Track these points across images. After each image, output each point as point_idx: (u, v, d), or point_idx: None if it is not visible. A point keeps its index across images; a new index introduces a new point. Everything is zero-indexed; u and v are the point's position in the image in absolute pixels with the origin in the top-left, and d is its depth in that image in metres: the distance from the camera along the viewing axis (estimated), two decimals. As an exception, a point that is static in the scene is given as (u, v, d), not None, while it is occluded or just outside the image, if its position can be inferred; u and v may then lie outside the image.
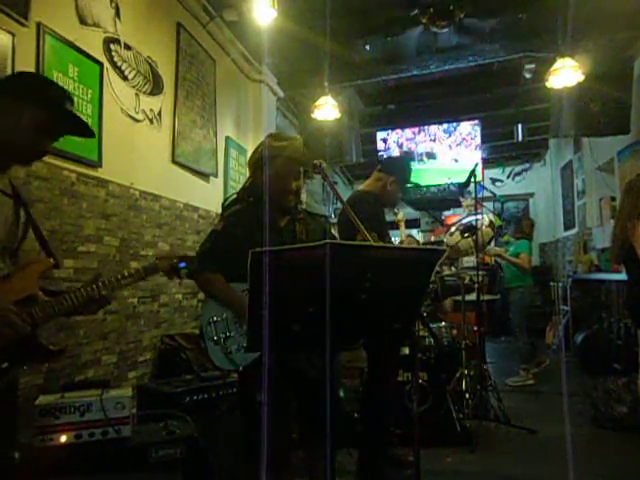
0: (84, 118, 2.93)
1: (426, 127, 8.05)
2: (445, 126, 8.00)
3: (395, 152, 8.05)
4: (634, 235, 2.76)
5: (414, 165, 3.44)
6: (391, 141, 8.15)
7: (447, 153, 8.00)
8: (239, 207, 2.12)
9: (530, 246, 5.64)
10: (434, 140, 8.06)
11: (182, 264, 1.86)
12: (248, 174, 2.22)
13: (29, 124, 1.50)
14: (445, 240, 4.19)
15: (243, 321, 1.92)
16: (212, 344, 1.97)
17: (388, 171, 3.15)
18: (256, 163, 2.13)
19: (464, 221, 4.11)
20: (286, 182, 2.03)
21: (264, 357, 1.82)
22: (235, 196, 2.21)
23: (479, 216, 3.97)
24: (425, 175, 7.99)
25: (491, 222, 4.01)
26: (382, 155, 7.86)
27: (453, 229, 4.18)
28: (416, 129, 8.08)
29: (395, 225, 3.59)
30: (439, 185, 8.18)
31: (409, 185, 3.34)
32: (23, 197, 1.68)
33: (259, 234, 1.89)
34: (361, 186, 3.29)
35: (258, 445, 1.68)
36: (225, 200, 2.26)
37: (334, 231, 2.11)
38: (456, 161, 7.97)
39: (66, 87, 2.79)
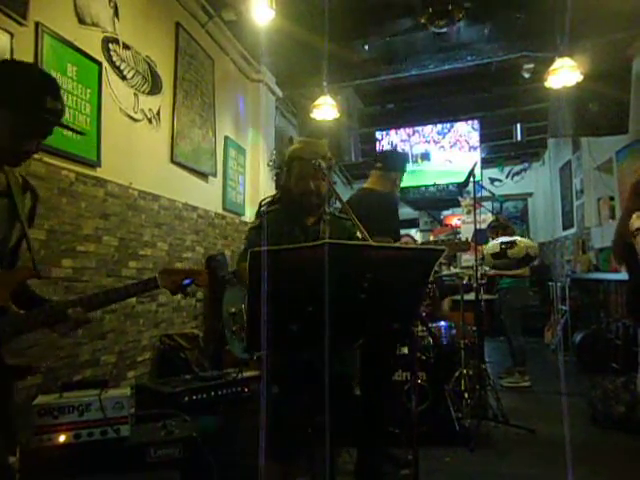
0: (83, 117, 2.95)
1: (420, 129, 8.05)
2: (439, 127, 8.00)
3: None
4: (630, 229, 2.75)
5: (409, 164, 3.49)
6: (385, 143, 8.15)
7: (441, 154, 8.00)
8: (273, 207, 2.26)
9: None
10: (428, 142, 8.07)
11: (187, 281, 1.71)
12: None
13: (3, 127, 1.38)
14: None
15: None
16: (230, 335, 2.12)
17: (393, 169, 3.19)
18: (285, 166, 2.28)
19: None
20: (304, 183, 2.11)
21: (263, 356, 1.83)
22: (271, 197, 2.35)
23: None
24: (420, 177, 8.00)
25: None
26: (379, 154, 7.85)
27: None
28: (410, 130, 8.08)
29: None
30: (438, 185, 8.18)
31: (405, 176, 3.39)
32: (31, 193, 1.59)
33: (288, 231, 2.08)
34: (370, 185, 3.25)
35: (272, 433, 1.74)
36: (263, 199, 2.39)
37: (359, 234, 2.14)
38: (450, 162, 7.97)
39: (65, 87, 2.80)
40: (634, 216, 2.75)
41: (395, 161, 3.29)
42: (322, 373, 1.90)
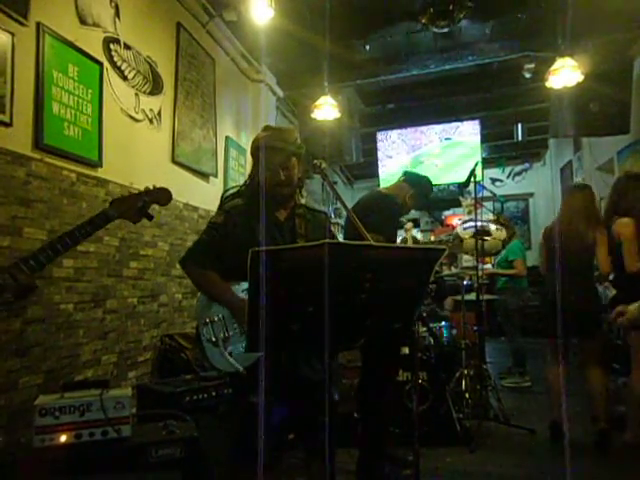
0: (84, 118, 2.95)
1: (422, 128, 8.03)
2: (441, 127, 7.98)
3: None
4: None
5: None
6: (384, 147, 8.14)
7: (442, 154, 7.99)
8: (240, 201, 2.08)
9: (522, 247, 5.58)
10: (430, 142, 8.06)
11: (141, 203, 1.77)
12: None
13: None
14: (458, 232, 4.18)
15: (239, 320, 1.90)
16: (210, 345, 1.89)
17: (411, 183, 3.19)
18: (251, 157, 2.12)
19: (482, 223, 4.05)
20: (274, 172, 1.98)
21: (262, 357, 1.82)
22: (236, 189, 2.18)
23: (495, 226, 3.96)
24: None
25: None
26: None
27: (467, 226, 4.16)
28: (412, 130, 8.06)
29: None
30: (438, 185, 8.17)
31: (423, 204, 3.39)
32: None
33: (256, 227, 1.90)
34: (383, 188, 3.31)
35: (251, 445, 1.67)
36: (225, 191, 2.24)
37: (334, 229, 2.08)
38: (449, 164, 7.96)
39: (66, 87, 2.81)
40: None
41: (419, 180, 3.28)
42: (306, 378, 1.87)
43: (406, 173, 3.33)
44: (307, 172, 2.07)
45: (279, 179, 1.98)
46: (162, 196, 1.84)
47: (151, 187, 1.85)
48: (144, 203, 1.81)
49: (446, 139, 7.98)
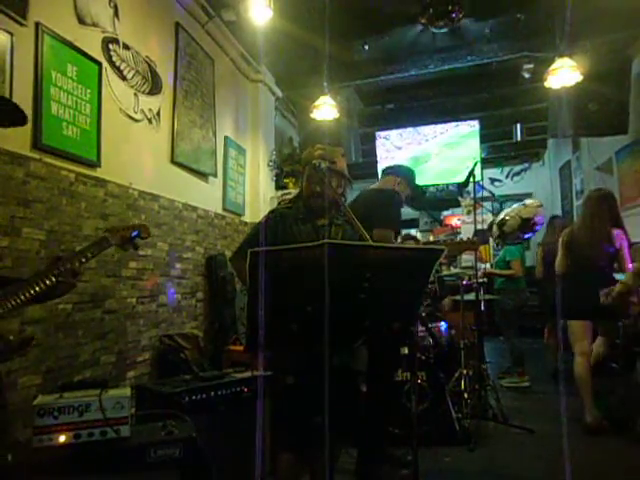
0: (83, 118, 2.95)
1: (420, 128, 8.00)
2: (440, 127, 7.96)
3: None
4: None
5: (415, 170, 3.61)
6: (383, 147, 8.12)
7: (441, 154, 7.96)
8: (284, 206, 2.36)
9: (520, 247, 5.58)
10: (428, 141, 8.02)
11: (135, 233, 1.90)
12: None
13: None
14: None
15: None
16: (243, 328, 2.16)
17: (396, 173, 3.33)
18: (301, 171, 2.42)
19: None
20: (310, 186, 2.22)
21: (261, 356, 1.85)
22: (287, 201, 2.46)
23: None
24: (420, 177, 7.90)
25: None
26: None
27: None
28: (411, 130, 8.04)
29: None
30: (438, 185, 8.17)
31: (417, 186, 3.52)
32: None
33: (297, 229, 2.16)
34: (378, 185, 3.40)
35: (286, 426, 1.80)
36: (281, 200, 2.49)
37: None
38: (449, 164, 7.93)
39: (65, 87, 2.81)
40: None
41: (400, 168, 3.47)
42: (332, 368, 1.92)
43: (385, 169, 3.53)
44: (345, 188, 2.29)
45: (315, 191, 2.20)
46: (145, 229, 1.99)
47: (141, 224, 2.05)
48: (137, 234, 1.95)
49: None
